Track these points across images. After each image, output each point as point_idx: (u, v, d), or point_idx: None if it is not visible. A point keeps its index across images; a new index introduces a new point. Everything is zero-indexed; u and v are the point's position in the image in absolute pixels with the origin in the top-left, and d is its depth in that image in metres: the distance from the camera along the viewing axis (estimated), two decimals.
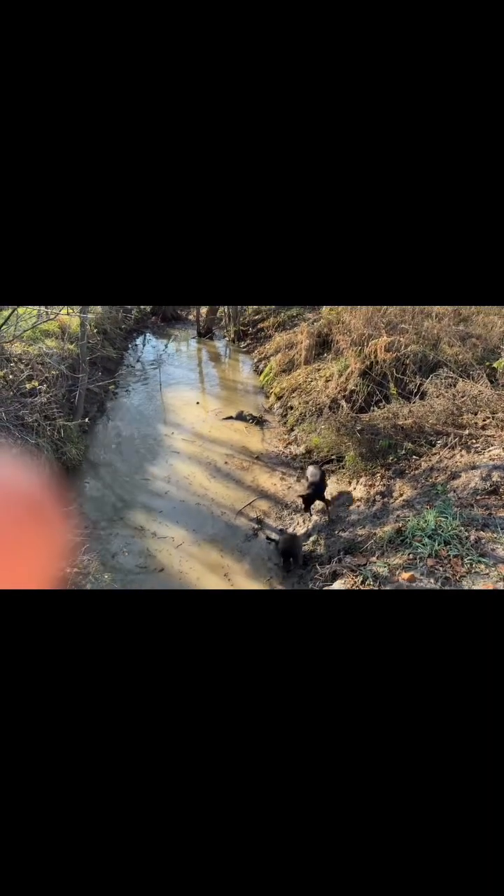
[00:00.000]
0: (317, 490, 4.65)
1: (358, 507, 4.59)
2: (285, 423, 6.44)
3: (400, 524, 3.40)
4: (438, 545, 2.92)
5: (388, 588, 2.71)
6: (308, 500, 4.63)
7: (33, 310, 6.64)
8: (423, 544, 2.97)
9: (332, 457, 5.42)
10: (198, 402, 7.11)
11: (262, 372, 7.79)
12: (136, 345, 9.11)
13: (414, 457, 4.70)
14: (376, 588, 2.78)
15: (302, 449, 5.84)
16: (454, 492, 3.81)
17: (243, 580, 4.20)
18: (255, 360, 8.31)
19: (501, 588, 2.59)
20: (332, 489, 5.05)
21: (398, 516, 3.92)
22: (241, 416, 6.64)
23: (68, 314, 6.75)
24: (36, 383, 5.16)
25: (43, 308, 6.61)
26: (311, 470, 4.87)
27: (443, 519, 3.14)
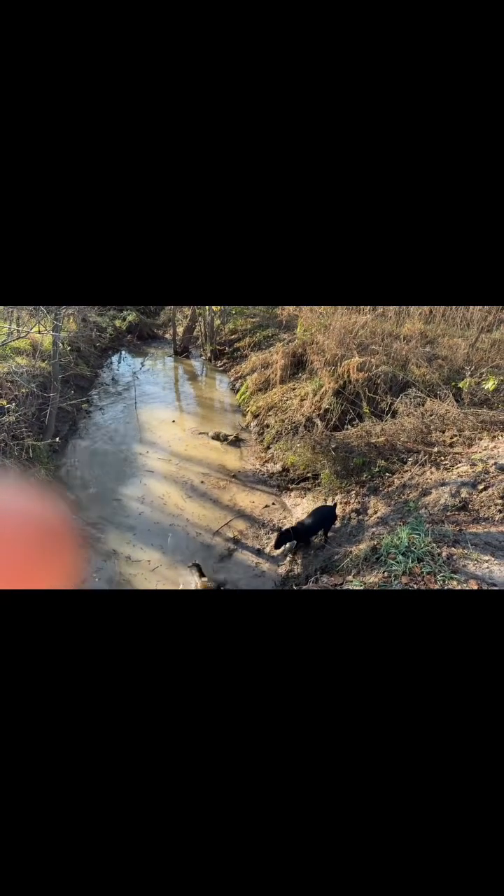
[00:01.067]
0: (302, 531, 4.28)
1: (334, 524, 4.61)
2: (262, 441, 6.46)
3: (375, 542, 3.42)
4: (412, 563, 2.95)
5: None
6: (282, 539, 4.25)
7: (3, 327, 6.48)
8: (398, 562, 2.99)
9: (308, 475, 5.45)
10: (174, 421, 7.04)
11: (238, 391, 7.84)
12: (111, 363, 9.00)
13: (387, 474, 4.79)
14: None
15: (279, 467, 5.85)
16: (426, 508, 3.90)
17: None
18: (232, 379, 8.37)
19: None
20: (309, 507, 5.06)
21: (373, 533, 3.96)
22: (217, 435, 6.61)
23: (40, 332, 6.63)
24: (4, 402, 4.97)
25: (14, 326, 6.45)
26: (320, 509, 4.39)
27: (415, 536, 3.19)
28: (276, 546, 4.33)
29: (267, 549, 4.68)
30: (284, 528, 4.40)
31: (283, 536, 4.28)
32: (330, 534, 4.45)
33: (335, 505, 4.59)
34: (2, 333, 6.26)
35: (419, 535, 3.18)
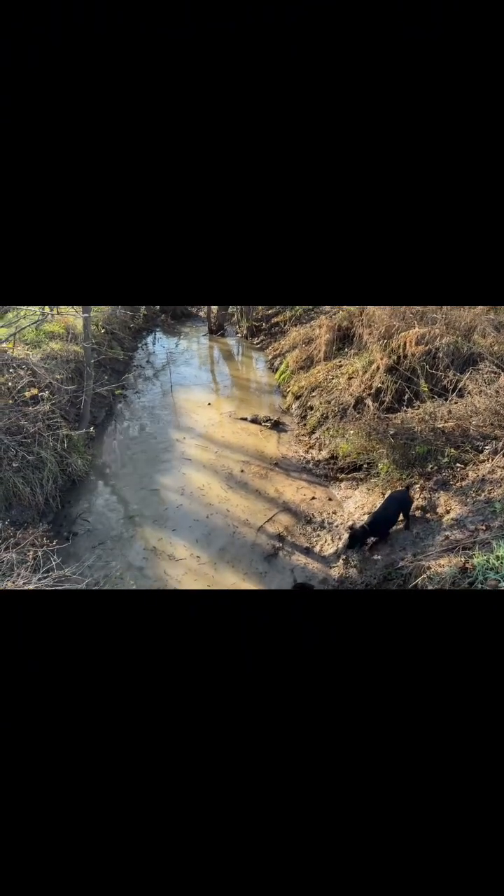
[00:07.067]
0: (379, 524, 3.53)
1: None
2: (305, 425, 5.71)
3: (463, 558, 2.67)
4: None
5: None
6: (356, 538, 3.53)
7: (35, 311, 6.01)
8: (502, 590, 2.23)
9: (360, 463, 4.69)
10: (210, 403, 6.42)
11: (277, 369, 7.05)
12: (145, 344, 8.44)
13: (458, 465, 3.94)
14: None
15: (325, 454, 5.12)
16: None
17: None
18: (270, 357, 7.56)
19: None
20: (362, 501, 4.33)
21: (448, 538, 3.20)
22: (256, 419, 5.93)
23: (73, 315, 6.12)
24: (36, 390, 4.54)
25: (46, 308, 5.97)
26: (394, 495, 3.66)
27: None
28: (350, 547, 3.62)
29: (316, 549, 4.06)
30: (357, 524, 3.63)
31: (358, 535, 3.53)
32: (389, 533, 3.74)
33: (408, 488, 3.84)
34: (33, 315, 5.80)
35: None
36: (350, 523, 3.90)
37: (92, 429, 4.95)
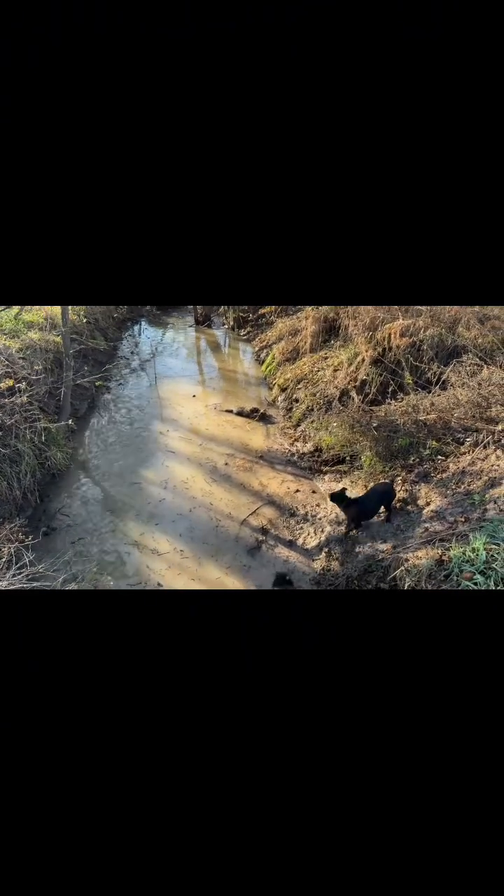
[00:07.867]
0: (365, 510, 3.63)
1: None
2: (290, 417, 5.65)
3: (440, 551, 2.66)
4: (497, 584, 2.19)
5: None
6: (337, 498, 3.68)
7: None
8: (475, 583, 2.23)
9: (344, 456, 4.67)
10: (195, 396, 6.31)
11: (263, 361, 6.95)
12: (130, 334, 8.24)
13: (440, 457, 3.94)
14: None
15: (310, 447, 5.08)
16: (495, 503, 3.07)
17: None
18: (257, 349, 7.45)
19: None
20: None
21: (427, 531, 3.20)
22: (241, 411, 5.85)
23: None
24: (12, 381, 4.38)
25: None
26: (377, 487, 3.71)
27: (495, 546, 2.40)
28: (332, 500, 3.73)
29: (300, 542, 4.04)
30: (347, 494, 3.70)
31: (337, 496, 3.65)
32: (374, 526, 3.73)
33: (392, 480, 3.83)
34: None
35: (500, 544, 2.39)
36: (313, 515, 3.89)
37: (72, 421, 4.81)
